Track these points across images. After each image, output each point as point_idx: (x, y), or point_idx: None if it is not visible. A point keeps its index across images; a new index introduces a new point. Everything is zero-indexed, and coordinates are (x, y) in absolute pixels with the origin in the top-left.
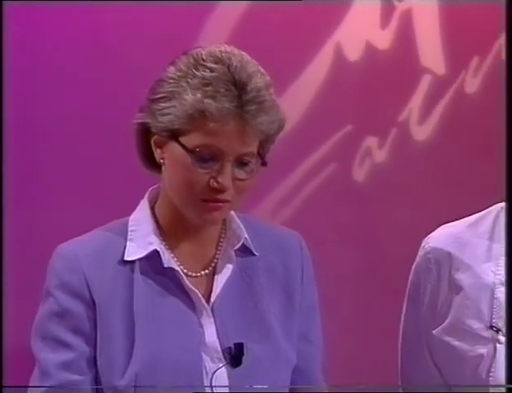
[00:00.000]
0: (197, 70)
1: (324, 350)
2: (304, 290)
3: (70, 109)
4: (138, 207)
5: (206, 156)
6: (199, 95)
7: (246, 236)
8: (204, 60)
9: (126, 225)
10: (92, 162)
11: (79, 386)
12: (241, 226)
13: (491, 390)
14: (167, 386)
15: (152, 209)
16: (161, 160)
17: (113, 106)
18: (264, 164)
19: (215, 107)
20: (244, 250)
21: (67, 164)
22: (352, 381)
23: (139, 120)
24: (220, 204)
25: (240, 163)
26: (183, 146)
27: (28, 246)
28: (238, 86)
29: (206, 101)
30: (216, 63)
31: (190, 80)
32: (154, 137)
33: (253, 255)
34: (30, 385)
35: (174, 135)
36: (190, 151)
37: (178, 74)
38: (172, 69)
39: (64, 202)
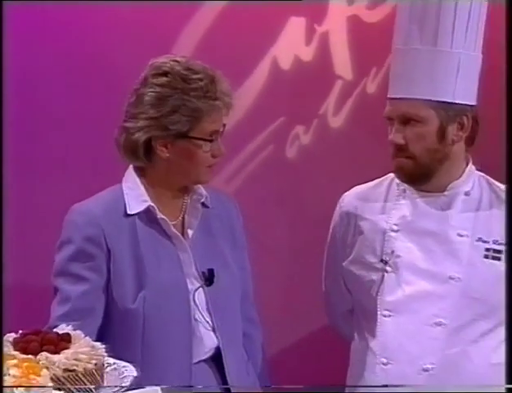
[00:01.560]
0: (189, 83)
1: (263, 280)
2: (239, 234)
3: (69, 107)
4: (125, 178)
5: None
6: (203, 101)
7: (204, 192)
8: (187, 75)
9: (120, 190)
10: (87, 153)
11: (92, 311)
12: (201, 187)
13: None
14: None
15: (136, 174)
16: (165, 155)
17: (112, 104)
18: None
19: (217, 106)
20: (202, 205)
21: (64, 158)
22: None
23: (144, 137)
24: (215, 166)
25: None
26: (197, 138)
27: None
28: (217, 88)
29: (210, 102)
30: (197, 73)
31: (191, 92)
32: (159, 141)
33: (208, 207)
34: (51, 309)
35: (183, 134)
36: (203, 139)
37: (171, 91)
38: (160, 89)
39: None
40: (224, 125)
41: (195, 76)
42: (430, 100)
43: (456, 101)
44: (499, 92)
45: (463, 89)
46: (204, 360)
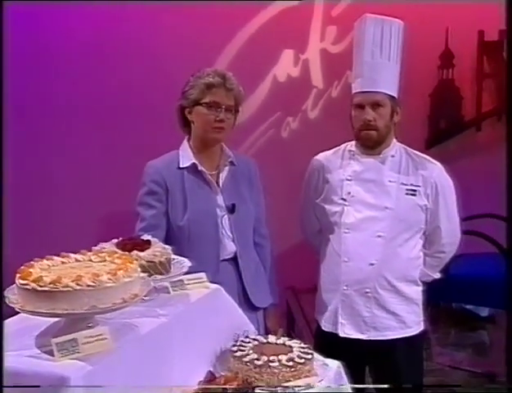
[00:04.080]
0: (201, 73)
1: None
2: (256, 182)
3: (70, 107)
4: (181, 146)
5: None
6: (205, 79)
7: (232, 155)
8: (203, 71)
9: (177, 153)
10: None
11: (159, 227)
12: (229, 151)
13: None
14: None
15: (188, 143)
16: (192, 119)
17: (112, 103)
18: (237, 111)
19: (215, 82)
20: (230, 163)
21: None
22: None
23: (179, 103)
24: (221, 129)
25: (227, 110)
26: (204, 103)
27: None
28: (217, 73)
29: (209, 79)
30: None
31: (201, 76)
32: (187, 110)
33: (234, 165)
34: (136, 226)
35: (196, 101)
36: (206, 103)
37: (194, 81)
38: (191, 80)
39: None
40: (231, 106)
41: (207, 71)
42: (387, 93)
43: (397, 96)
44: (347, 96)
45: (398, 89)
46: (227, 260)
